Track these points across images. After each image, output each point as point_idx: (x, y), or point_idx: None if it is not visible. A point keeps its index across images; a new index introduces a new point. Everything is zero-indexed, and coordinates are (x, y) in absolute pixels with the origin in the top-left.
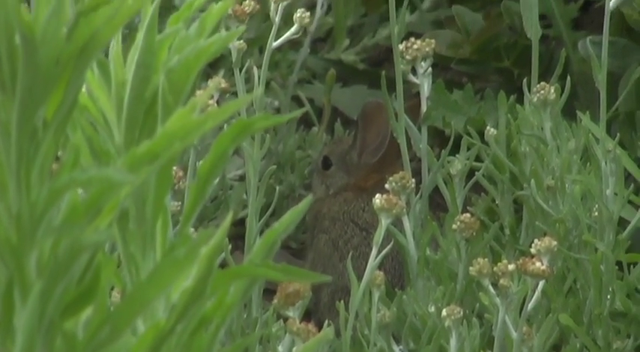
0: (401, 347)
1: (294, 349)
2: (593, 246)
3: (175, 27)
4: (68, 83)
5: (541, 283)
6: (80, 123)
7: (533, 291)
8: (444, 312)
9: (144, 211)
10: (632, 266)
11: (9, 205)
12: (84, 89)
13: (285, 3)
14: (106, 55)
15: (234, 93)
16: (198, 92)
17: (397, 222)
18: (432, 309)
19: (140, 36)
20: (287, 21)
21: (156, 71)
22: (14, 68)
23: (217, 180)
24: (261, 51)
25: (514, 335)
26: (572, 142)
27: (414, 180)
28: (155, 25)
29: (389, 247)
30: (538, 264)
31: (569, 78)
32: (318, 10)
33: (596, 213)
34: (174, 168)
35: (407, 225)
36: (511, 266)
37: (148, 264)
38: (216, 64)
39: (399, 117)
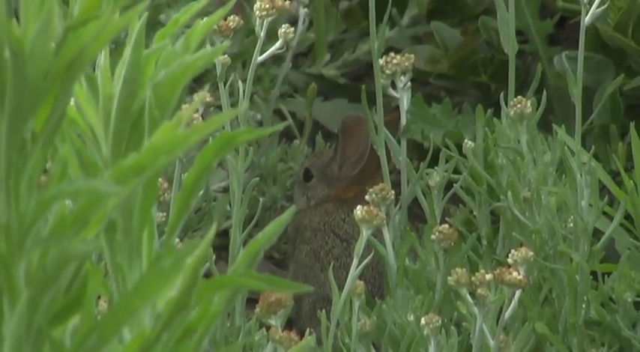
0: None
1: None
2: (569, 257)
3: (162, 43)
4: (57, 97)
5: (518, 292)
6: (68, 136)
7: (510, 300)
8: (422, 321)
9: (131, 222)
10: (606, 276)
11: (3, 220)
12: (72, 102)
13: (269, 19)
14: (94, 70)
15: (219, 107)
16: (184, 106)
17: (377, 233)
18: (411, 318)
19: (127, 51)
20: (269, 36)
21: (143, 86)
22: (3, 82)
23: (201, 191)
24: (245, 65)
25: (491, 343)
26: (548, 155)
27: (393, 191)
28: (142, 40)
29: (369, 258)
30: (515, 273)
31: (545, 92)
32: (300, 26)
33: (572, 224)
34: (160, 179)
35: (387, 235)
36: (488, 276)
37: (135, 274)
38: (201, 78)
39: (379, 131)
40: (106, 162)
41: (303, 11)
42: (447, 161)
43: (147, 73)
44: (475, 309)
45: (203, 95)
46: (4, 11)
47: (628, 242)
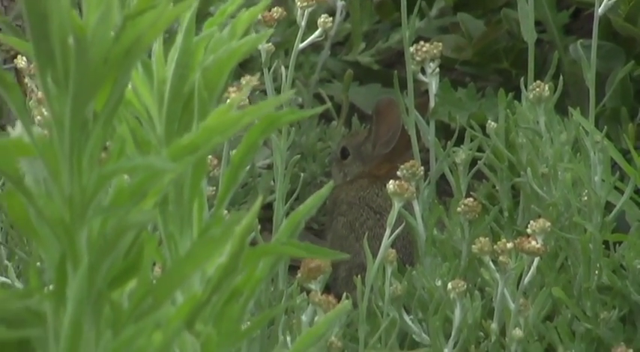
0: (411, 316)
1: (316, 318)
2: (583, 227)
3: (210, 30)
4: (115, 80)
5: (536, 260)
6: (126, 117)
7: (529, 267)
8: (449, 286)
9: (182, 195)
10: (617, 245)
11: (62, 188)
12: (129, 86)
13: (310, 9)
14: (149, 56)
15: (263, 91)
16: (231, 89)
17: (407, 206)
18: (439, 283)
19: (179, 38)
20: (309, 26)
21: (193, 70)
22: (67, 66)
23: (248, 168)
24: (287, 53)
25: (512, 306)
26: (564, 135)
27: (422, 168)
28: (193, 28)
29: (400, 228)
30: (533, 242)
31: (561, 77)
32: (338, 17)
33: (586, 198)
34: (210, 157)
35: (416, 208)
36: (509, 245)
37: (186, 242)
38: (247, 64)
39: (410, 113)
40: (160, 140)
41: (340, 3)
42: (471, 140)
43: (197, 58)
44: (497, 275)
45: (250, 79)
46: (68, 3)
47: (637, 214)
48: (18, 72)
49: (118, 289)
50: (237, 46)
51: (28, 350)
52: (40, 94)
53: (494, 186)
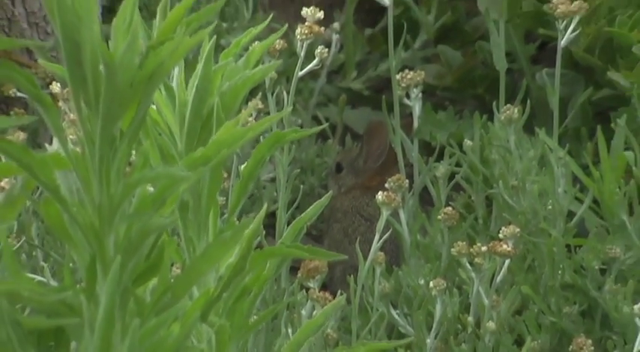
0: (397, 311)
1: (314, 313)
2: (548, 233)
3: (227, 60)
4: (139, 102)
5: (507, 261)
6: (150, 134)
7: (501, 268)
8: (431, 284)
9: (199, 203)
10: (577, 248)
11: (93, 197)
12: (153, 106)
13: (308, 41)
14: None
15: (267, 113)
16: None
17: (394, 214)
18: (422, 282)
19: (199, 67)
20: (308, 56)
21: (212, 94)
22: (98, 90)
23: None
24: (288, 80)
25: (486, 302)
26: (532, 152)
27: (407, 181)
28: (211, 58)
29: (388, 234)
30: (505, 246)
31: (528, 101)
32: (333, 48)
33: (550, 207)
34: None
35: (402, 216)
36: (484, 248)
37: (202, 244)
38: (253, 89)
39: (396, 132)
40: (181, 154)
41: (335, 37)
42: (450, 156)
43: (215, 84)
44: (473, 275)
45: (255, 102)
46: (99, 35)
47: (595, 221)
48: (53, 97)
49: (141, 286)
50: (250, 75)
51: (63, 338)
52: (72, 115)
53: (470, 197)
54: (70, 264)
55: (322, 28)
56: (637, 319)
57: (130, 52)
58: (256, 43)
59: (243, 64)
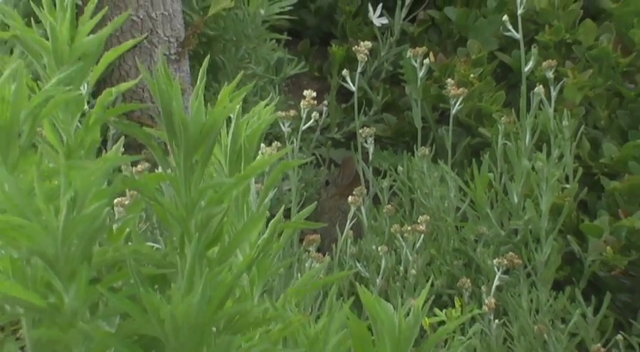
0: (360, 264)
1: (313, 265)
2: (445, 219)
3: (249, 115)
4: (205, 144)
5: (422, 236)
6: (210, 163)
7: (419, 239)
8: (379, 249)
9: (238, 201)
10: (462, 228)
11: (181, 199)
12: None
13: (307, 109)
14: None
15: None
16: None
17: (358, 210)
18: (374, 247)
19: (234, 121)
20: (308, 118)
21: (240, 136)
22: (181, 136)
23: (276, 190)
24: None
25: (410, 258)
26: (435, 173)
27: (366, 190)
28: (240, 116)
29: (355, 220)
30: (421, 227)
31: (434, 145)
32: (323, 115)
33: (447, 205)
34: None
35: (363, 210)
36: (409, 228)
37: (240, 225)
38: (277, 137)
39: (360, 163)
40: (226, 174)
41: (324, 108)
42: (390, 176)
43: (242, 130)
44: (403, 243)
45: (276, 144)
46: (181, 106)
47: (472, 212)
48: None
49: (209, 250)
50: (260, 124)
51: (165, 281)
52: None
53: (401, 199)
54: (174, 238)
55: (315, 101)
56: (495, 268)
57: (199, 115)
58: (269, 106)
59: (258, 119)
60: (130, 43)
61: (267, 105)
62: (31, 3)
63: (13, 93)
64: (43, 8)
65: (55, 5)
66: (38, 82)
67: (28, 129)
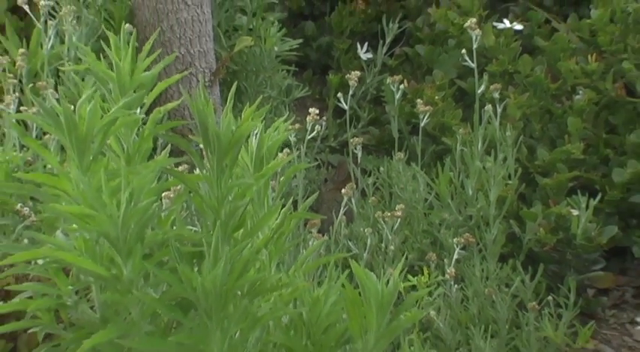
0: (351, 243)
1: (314, 243)
2: (416, 207)
3: (270, 129)
4: (233, 151)
5: (399, 220)
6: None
7: (396, 222)
8: (365, 230)
9: (260, 196)
10: (429, 214)
11: (214, 193)
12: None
13: (311, 124)
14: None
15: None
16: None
17: (349, 200)
18: (362, 229)
19: (257, 137)
20: (312, 130)
21: (262, 148)
22: (214, 146)
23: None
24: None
25: (390, 237)
26: (409, 173)
27: (355, 186)
28: (263, 130)
29: (346, 209)
30: (398, 213)
31: (408, 151)
32: (323, 128)
33: (417, 196)
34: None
35: (353, 200)
36: (389, 214)
37: (261, 213)
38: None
39: (350, 165)
40: (251, 174)
41: (324, 123)
42: (374, 175)
43: (265, 143)
44: (385, 226)
45: (286, 152)
46: (214, 121)
47: (437, 202)
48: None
49: (236, 232)
50: (278, 138)
51: (202, 256)
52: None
53: (383, 193)
54: (207, 223)
55: (318, 116)
56: (454, 245)
57: (228, 128)
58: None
59: (277, 133)
60: (177, 76)
61: (284, 121)
62: (101, 42)
63: (88, 112)
64: (110, 47)
65: (119, 45)
66: (105, 103)
67: (99, 141)
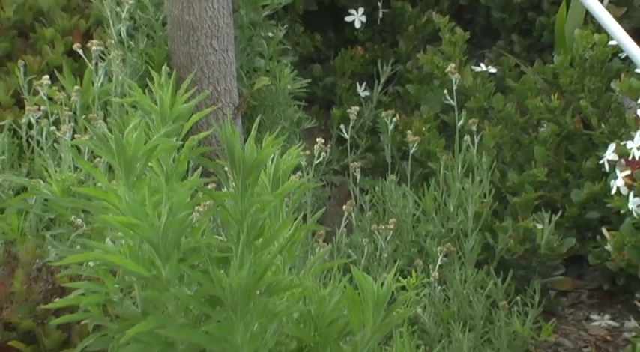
0: (351, 250)
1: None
2: (405, 221)
3: (285, 155)
4: (254, 174)
5: (392, 231)
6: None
7: (389, 233)
8: (363, 240)
9: (276, 210)
10: (417, 227)
11: (238, 207)
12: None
13: (319, 151)
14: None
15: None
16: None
17: (349, 215)
18: (360, 239)
19: (273, 161)
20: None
21: (279, 170)
22: (239, 168)
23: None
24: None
25: (383, 246)
26: (400, 192)
27: (355, 203)
28: (279, 155)
29: (347, 222)
30: (391, 225)
31: (399, 173)
32: (328, 153)
33: (406, 211)
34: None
35: (353, 215)
36: (383, 226)
37: (278, 224)
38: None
39: (350, 185)
40: (269, 193)
41: (328, 150)
42: (371, 193)
43: (280, 166)
44: (379, 236)
45: (298, 175)
46: (240, 147)
47: (423, 217)
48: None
49: (256, 240)
50: (292, 162)
51: (227, 261)
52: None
53: (378, 209)
54: (231, 232)
55: (323, 143)
56: (438, 253)
57: (251, 153)
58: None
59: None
60: (208, 110)
61: (296, 148)
62: (146, 80)
63: (134, 139)
64: (153, 84)
65: (160, 82)
66: (149, 131)
67: (142, 163)
